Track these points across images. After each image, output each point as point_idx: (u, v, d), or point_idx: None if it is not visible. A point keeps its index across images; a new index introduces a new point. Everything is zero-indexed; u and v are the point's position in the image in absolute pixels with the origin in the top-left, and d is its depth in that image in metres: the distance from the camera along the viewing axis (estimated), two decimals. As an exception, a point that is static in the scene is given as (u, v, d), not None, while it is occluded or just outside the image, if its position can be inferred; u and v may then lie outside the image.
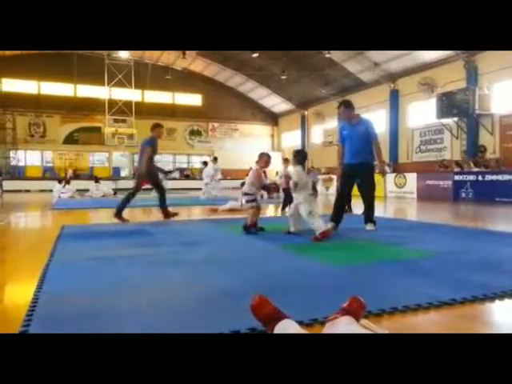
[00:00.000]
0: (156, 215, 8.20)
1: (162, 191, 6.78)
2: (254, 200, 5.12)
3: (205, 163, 14.43)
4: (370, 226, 5.17)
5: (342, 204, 5.37)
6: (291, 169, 5.15)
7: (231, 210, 8.39)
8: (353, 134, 5.19)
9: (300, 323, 1.75)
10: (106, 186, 17.22)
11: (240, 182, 10.19)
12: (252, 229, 4.98)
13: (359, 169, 5.14)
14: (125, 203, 6.51)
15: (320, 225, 4.43)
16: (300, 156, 4.96)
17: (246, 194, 5.20)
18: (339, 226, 5.17)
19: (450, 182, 12.22)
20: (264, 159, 5.29)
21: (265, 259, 3.51)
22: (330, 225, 5.03)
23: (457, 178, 12.09)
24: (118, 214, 6.39)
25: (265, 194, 10.35)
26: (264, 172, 5.46)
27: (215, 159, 14.37)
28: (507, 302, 2.27)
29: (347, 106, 5.29)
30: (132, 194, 6.58)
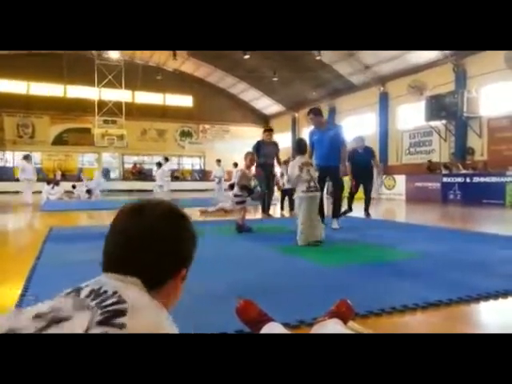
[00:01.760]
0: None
1: (268, 191, 7.66)
2: (244, 201, 5.22)
3: (159, 164, 13.80)
4: (334, 224, 5.51)
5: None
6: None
7: (221, 211, 8.37)
8: (323, 139, 5.53)
9: (286, 325, 1.75)
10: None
11: (228, 183, 10.05)
12: (245, 227, 5.09)
13: (328, 171, 5.46)
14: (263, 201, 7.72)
15: (298, 233, 4.17)
16: (295, 146, 4.64)
17: (235, 195, 5.25)
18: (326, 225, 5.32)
19: (439, 184, 12.34)
20: (248, 158, 5.40)
21: (253, 260, 3.51)
22: None
23: (445, 180, 12.22)
24: (267, 211, 7.60)
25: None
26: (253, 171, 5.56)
27: (166, 159, 14.16)
28: (492, 302, 2.31)
29: (316, 113, 5.70)
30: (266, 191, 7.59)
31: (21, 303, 2.21)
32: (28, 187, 12.13)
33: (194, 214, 8.39)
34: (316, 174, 4.50)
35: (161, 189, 13.01)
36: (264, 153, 7.44)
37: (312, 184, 4.26)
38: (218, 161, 16.61)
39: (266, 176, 7.45)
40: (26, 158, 12.68)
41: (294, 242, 4.19)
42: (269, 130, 7.91)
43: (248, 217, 5.33)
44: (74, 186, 16.30)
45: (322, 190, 5.58)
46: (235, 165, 16.79)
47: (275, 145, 7.71)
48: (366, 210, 7.54)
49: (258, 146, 7.59)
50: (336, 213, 5.63)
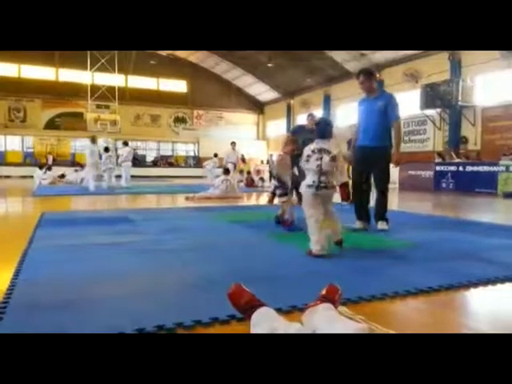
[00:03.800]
0: (139, 202, 8.14)
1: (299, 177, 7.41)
2: (286, 193, 4.38)
3: (106, 149, 12.94)
4: (381, 225, 4.31)
5: (360, 198, 4.37)
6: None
7: (208, 198, 8.35)
8: (370, 111, 4.38)
9: (279, 310, 1.76)
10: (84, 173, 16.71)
11: (221, 169, 9.87)
12: (292, 226, 4.20)
13: (373, 154, 4.25)
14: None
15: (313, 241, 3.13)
16: (319, 127, 3.50)
17: (276, 187, 4.56)
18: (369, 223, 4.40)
19: (432, 173, 12.38)
20: (290, 140, 4.55)
21: (248, 248, 3.51)
22: (357, 224, 4.34)
23: (438, 168, 12.26)
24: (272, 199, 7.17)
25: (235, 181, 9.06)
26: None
27: (125, 143, 13.23)
28: (481, 289, 2.34)
29: (368, 75, 4.42)
30: None
31: (12, 287, 2.21)
32: (94, 172, 11.35)
33: (180, 199, 8.38)
34: (327, 163, 3.17)
35: (108, 173, 11.97)
36: (303, 138, 7.14)
37: (323, 179, 3.18)
38: (233, 143, 14.10)
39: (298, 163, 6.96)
40: (94, 140, 11.70)
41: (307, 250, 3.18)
42: (312, 116, 7.60)
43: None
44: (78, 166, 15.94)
45: (367, 179, 4.39)
46: (215, 155, 16.82)
47: (313, 132, 7.32)
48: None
49: (298, 130, 6.89)
50: (382, 212, 4.38)
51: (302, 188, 3.27)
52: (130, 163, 12.99)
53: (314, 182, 3.18)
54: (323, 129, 3.43)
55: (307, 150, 3.33)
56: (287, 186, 4.37)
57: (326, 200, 3.27)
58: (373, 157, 4.25)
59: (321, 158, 3.20)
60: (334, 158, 3.21)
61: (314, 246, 3.07)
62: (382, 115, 4.26)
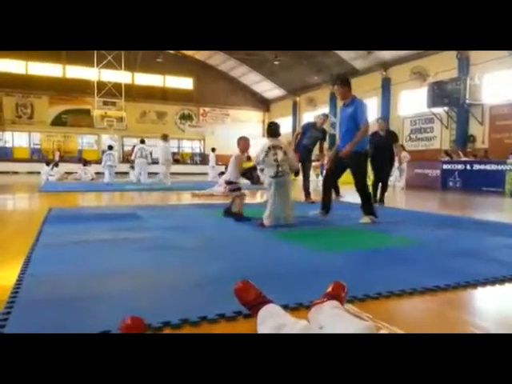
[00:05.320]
0: (145, 199, 8.16)
1: (303, 174, 7.26)
2: (239, 188, 4.95)
3: (110, 147, 12.96)
4: (363, 219, 4.63)
5: (326, 189, 5.09)
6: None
7: (211, 195, 8.38)
8: (342, 118, 4.75)
9: (285, 307, 1.76)
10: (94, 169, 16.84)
11: (223, 168, 9.90)
12: (242, 217, 4.75)
13: (347, 157, 4.62)
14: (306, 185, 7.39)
15: (265, 215, 4.30)
16: (266, 129, 4.57)
17: (228, 182, 5.02)
18: (330, 212, 5.02)
19: (439, 171, 12.31)
20: (241, 143, 4.94)
21: (251, 245, 3.51)
22: (318, 211, 5.00)
23: (445, 167, 12.18)
24: (308, 196, 7.30)
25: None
26: (249, 157, 5.29)
27: (142, 142, 12.74)
28: (489, 288, 2.32)
29: (342, 83, 4.69)
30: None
31: (20, 283, 2.22)
32: (168, 170, 11.20)
33: (185, 196, 8.40)
34: (281, 157, 4.23)
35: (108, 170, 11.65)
36: (310, 136, 7.06)
37: (280, 169, 4.24)
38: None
39: (303, 160, 6.85)
40: (165, 138, 11.69)
41: (259, 221, 4.33)
42: (325, 116, 7.47)
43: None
44: (85, 164, 16.16)
45: (337, 176, 5.17)
46: (212, 150, 17.43)
47: (323, 132, 7.29)
48: (381, 198, 7.15)
49: (307, 128, 7.19)
50: (364, 209, 4.71)
51: (266, 178, 4.33)
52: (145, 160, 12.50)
53: (274, 172, 4.22)
54: (274, 129, 4.42)
55: (263, 148, 4.26)
56: (239, 182, 5.05)
57: (282, 185, 4.29)
58: (347, 160, 4.62)
59: (276, 153, 4.22)
60: (285, 152, 4.27)
61: (266, 220, 4.22)
62: (352, 121, 4.56)
